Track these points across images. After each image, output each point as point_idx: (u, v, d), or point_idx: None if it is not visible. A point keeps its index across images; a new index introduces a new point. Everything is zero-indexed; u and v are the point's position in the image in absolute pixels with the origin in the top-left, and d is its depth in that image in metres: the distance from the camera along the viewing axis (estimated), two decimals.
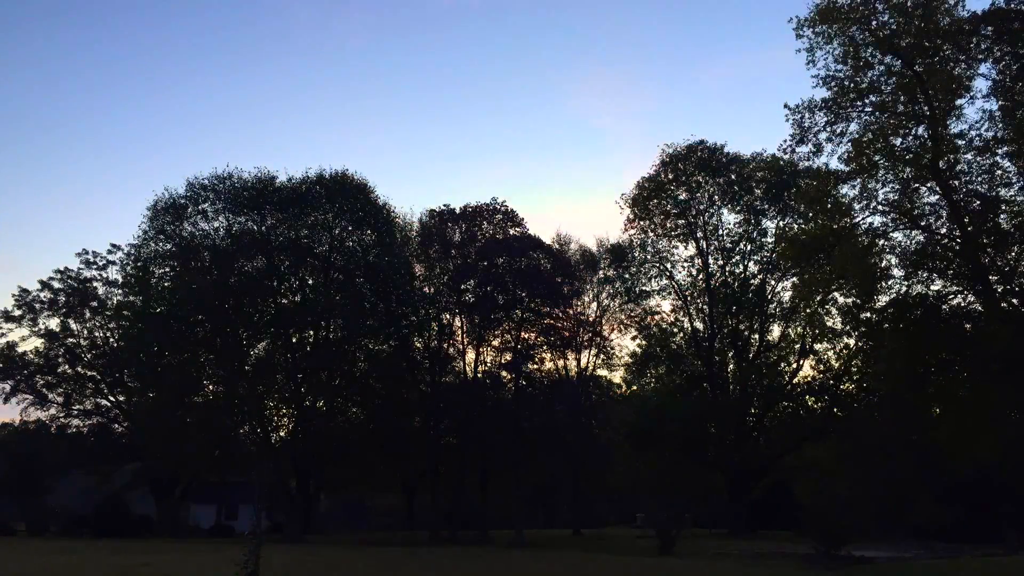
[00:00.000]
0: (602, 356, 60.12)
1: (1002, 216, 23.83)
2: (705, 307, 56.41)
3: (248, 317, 41.54)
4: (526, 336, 47.97)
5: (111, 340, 55.66)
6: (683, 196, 56.16)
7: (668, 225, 57.03)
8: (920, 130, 24.84)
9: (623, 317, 60.42)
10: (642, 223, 57.43)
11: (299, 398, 39.87)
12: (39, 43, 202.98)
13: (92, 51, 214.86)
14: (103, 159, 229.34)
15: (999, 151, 23.50)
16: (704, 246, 56.61)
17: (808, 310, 46.56)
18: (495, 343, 48.67)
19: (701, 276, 56.57)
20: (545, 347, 48.69)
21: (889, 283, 25.45)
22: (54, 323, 55.01)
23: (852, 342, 42.51)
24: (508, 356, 47.78)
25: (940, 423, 26.95)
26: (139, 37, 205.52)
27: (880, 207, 24.80)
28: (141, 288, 43.85)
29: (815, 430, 49.65)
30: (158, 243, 42.47)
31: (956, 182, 23.91)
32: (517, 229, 48.77)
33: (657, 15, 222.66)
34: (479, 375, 47.12)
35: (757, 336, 56.15)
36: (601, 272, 60.47)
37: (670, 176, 56.01)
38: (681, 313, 57.42)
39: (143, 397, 45.49)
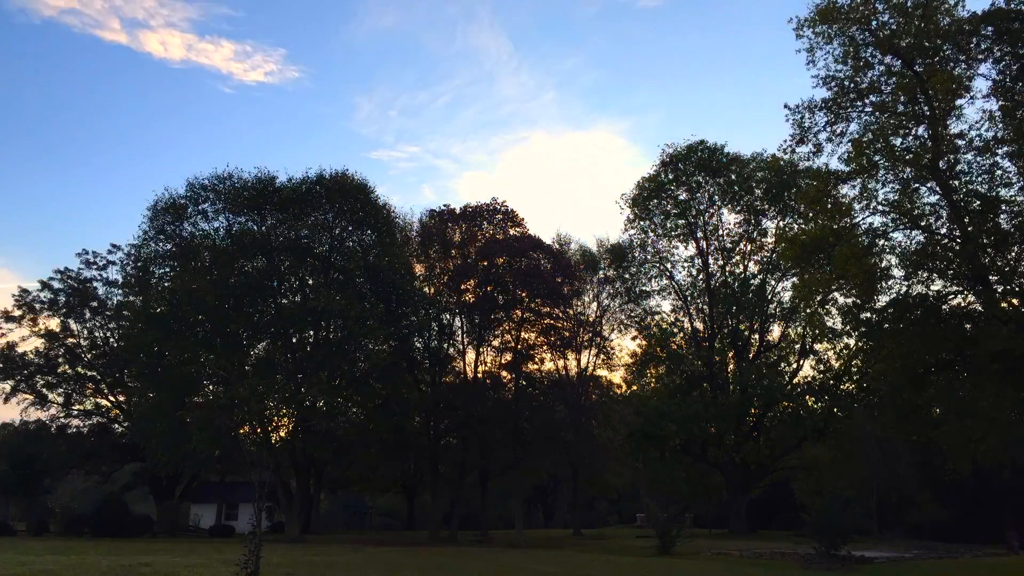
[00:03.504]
0: (602, 356, 60.14)
1: (1002, 216, 23.80)
2: (705, 307, 56.44)
3: (248, 317, 41.52)
4: (526, 336, 47.94)
5: (111, 340, 55.66)
6: (683, 196, 56.23)
7: (668, 225, 57.10)
8: (920, 130, 24.85)
9: (623, 317, 60.50)
10: (642, 223, 57.56)
11: (299, 398, 39.83)
12: (40, 44, 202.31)
13: (92, 50, 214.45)
14: (104, 159, 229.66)
15: (999, 151, 23.48)
16: (704, 246, 56.67)
17: (808, 310, 46.56)
18: (495, 343, 48.63)
19: (701, 276, 56.61)
20: (545, 347, 48.64)
21: (889, 283, 25.43)
22: (54, 323, 55.07)
23: (852, 342, 42.50)
24: (508, 356, 47.75)
25: (940, 423, 26.94)
26: (136, 38, 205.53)
27: (880, 207, 24.80)
28: (141, 288, 43.85)
29: (815, 430, 49.69)
30: (158, 243, 42.48)
31: (956, 182, 23.89)
32: (517, 229, 48.75)
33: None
34: (479, 375, 47.10)
35: (757, 336, 56.19)
36: (601, 272, 60.49)
37: (670, 176, 56.07)
38: (681, 313, 57.49)
39: (143, 397, 45.43)
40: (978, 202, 23.79)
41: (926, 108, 24.33)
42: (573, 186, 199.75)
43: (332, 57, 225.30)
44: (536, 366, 48.70)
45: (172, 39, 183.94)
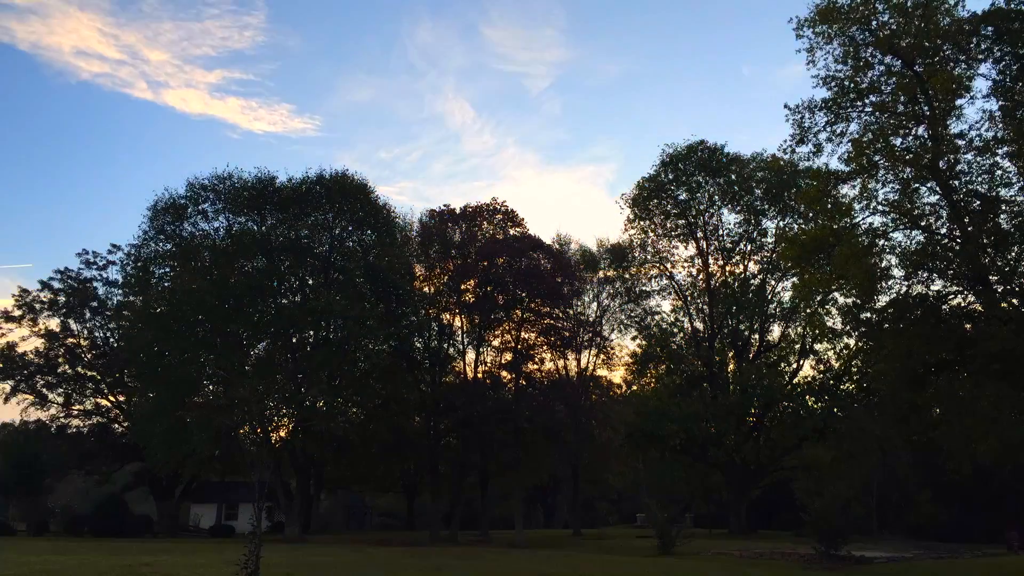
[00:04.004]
0: (602, 356, 60.14)
1: (1002, 216, 23.76)
2: (705, 307, 56.41)
3: (248, 317, 41.52)
4: (526, 336, 47.94)
5: (111, 340, 55.67)
6: (683, 196, 56.19)
7: (668, 225, 57.07)
8: (920, 130, 24.82)
9: (623, 317, 60.49)
10: (642, 223, 57.50)
11: (299, 398, 39.84)
12: (75, 100, 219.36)
13: (121, 104, 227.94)
14: (104, 159, 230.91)
15: (999, 151, 23.44)
16: (704, 246, 56.64)
17: (808, 310, 46.61)
18: (495, 343, 48.64)
19: (701, 276, 56.59)
20: (545, 347, 48.65)
21: (889, 283, 25.39)
22: (54, 323, 55.07)
23: (852, 342, 42.50)
24: (508, 356, 47.75)
25: (940, 423, 26.92)
26: (160, 95, 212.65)
27: (880, 207, 24.76)
28: (141, 288, 43.84)
29: (815, 430, 49.67)
30: (158, 243, 42.51)
31: (956, 182, 23.85)
32: (517, 229, 48.76)
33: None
34: (479, 375, 47.09)
35: (757, 336, 56.16)
36: (601, 272, 60.49)
37: (670, 176, 56.03)
38: (681, 313, 57.45)
39: (143, 397, 45.43)
40: (978, 202, 23.76)
41: (926, 108, 24.31)
42: (542, 221, 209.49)
43: (318, 118, 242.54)
44: (536, 366, 48.69)
45: (190, 95, 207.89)
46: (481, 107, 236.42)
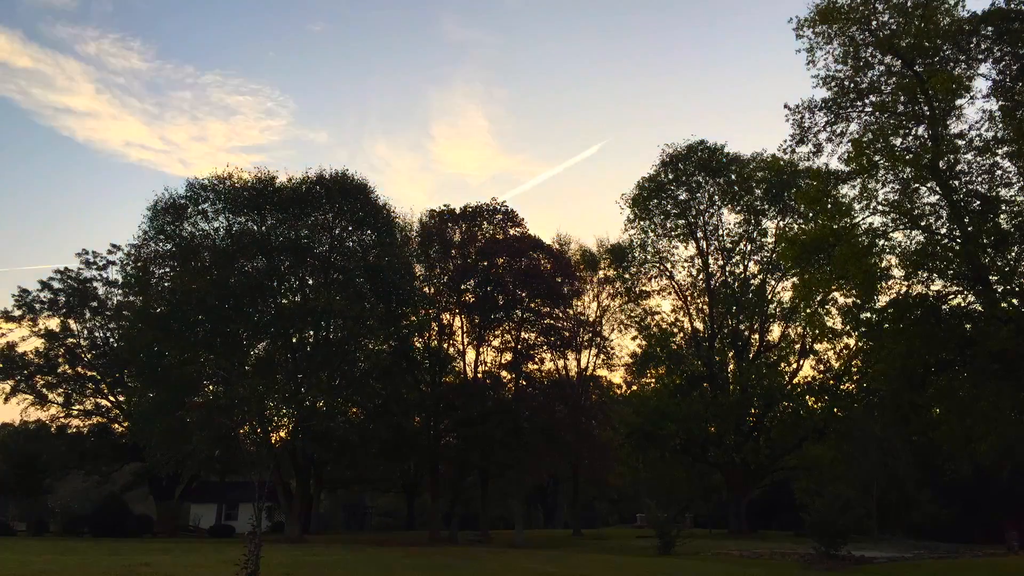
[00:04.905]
0: (602, 356, 60.12)
1: (1002, 216, 23.74)
2: (705, 307, 56.42)
3: (248, 317, 41.50)
4: (526, 336, 47.91)
5: (111, 340, 55.65)
6: (683, 196, 56.20)
7: (668, 225, 57.08)
8: (920, 130, 24.81)
9: (623, 317, 60.45)
10: (642, 223, 57.49)
11: (299, 398, 39.82)
12: (122, 176, 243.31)
13: (158, 178, 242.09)
14: (104, 159, 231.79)
15: (999, 151, 23.42)
16: (704, 246, 56.65)
17: (808, 310, 46.36)
18: (495, 343, 48.60)
19: (701, 276, 56.59)
20: (545, 347, 48.62)
21: (889, 283, 25.37)
22: (54, 323, 55.02)
23: (852, 342, 42.44)
24: (508, 356, 47.73)
25: (940, 423, 26.91)
26: (190, 171, 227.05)
27: (880, 207, 24.73)
28: (141, 288, 43.83)
29: (815, 430, 49.62)
30: (158, 243, 42.41)
31: (956, 182, 23.83)
32: (517, 229, 48.73)
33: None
34: (479, 375, 47.08)
35: (757, 336, 56.16)
36: (601, 272, 60.47)
37: (670, 176, 56.02)
38: (681, 313, 57.45)
39: (143, 397, 45.42)
40: (978, 202, 23.75)
41: (926, 108, 24.30)
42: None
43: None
44: (536, 366, 48.67)
45: (212, 169, 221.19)
46: (432, 193, 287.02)
